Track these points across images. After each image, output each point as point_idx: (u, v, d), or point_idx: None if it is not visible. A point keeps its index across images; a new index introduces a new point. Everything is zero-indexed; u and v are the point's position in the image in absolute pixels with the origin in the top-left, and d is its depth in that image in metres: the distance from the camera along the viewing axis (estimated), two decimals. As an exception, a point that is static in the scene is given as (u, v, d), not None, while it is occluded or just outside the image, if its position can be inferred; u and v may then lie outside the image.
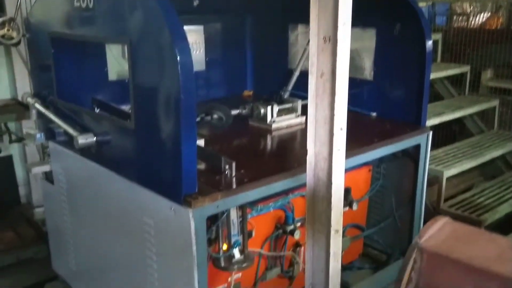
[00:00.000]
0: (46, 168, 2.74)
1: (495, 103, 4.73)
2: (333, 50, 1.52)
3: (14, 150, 4.01)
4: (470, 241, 1.45)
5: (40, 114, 2.63)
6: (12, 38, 3.40)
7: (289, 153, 2.56)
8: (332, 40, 1.52)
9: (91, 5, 2.06)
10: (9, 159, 3.98)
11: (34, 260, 3.42)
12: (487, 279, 1.25)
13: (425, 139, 2.79)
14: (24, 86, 3.68)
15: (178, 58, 1.69)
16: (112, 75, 3.01)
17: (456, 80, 5.04)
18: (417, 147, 2.80)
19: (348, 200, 2.67)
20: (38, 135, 2.59)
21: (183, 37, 1.72)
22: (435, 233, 1.50)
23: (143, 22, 1.86)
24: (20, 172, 4.07)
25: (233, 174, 2.04)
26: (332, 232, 1.70)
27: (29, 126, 2.79)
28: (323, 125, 1.63)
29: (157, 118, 1.87)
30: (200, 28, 3.42)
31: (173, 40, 1.70)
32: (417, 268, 1.41)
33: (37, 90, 2.79)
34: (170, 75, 1.75)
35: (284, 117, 2.87)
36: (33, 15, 2.71)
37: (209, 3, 2.97)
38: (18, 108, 3.50)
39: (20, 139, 3.64)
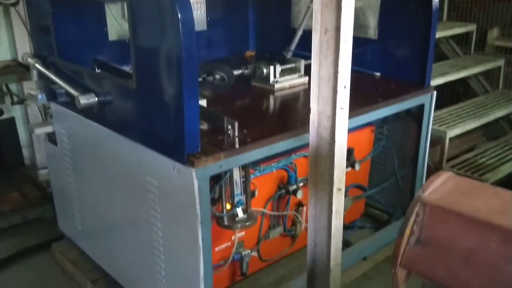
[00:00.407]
0: (48, 129, 2.73)
1: (500, 62, 4.66)
2: (338, 6, 1.49)
3: (16, 112, 4.00)
4: (474, 195, 1.45)
5: (41, 75, 2.61)
6: (10, -3, 3.34)
7: (292, 113, 2.55)
8: (336, -5, 1.48)
9: (89, -39, 2.01)
10: (12, 121, 3.98)
11: (40, 220, 3.47)
12: (490, 231, 1.26)
13: (429, 99, 2.77)
14: (24, 47, 3.64)
15: (179, 15, 1.65)
16: (112, 35, 2.97)
17: (462, 39, 4.95)
18: (420, 107, 2.78)
19: (350, 161, 2.68)
20: (39, 96, 2.58)
21: (184, -6, 1.68)
22: (438, 187, 1.50)
23: (142, -22, 1.82)
24: (23, 134, 4.08)
25: (236, 134, 2.04)
26: (335, 190, 1.72)
27: (30, 87, 2.76)
28: (326, 82, 1.62)
29: (159, 78, 1.85)
30: (201, -14, 3.35)
31: (173, -2, 1.66)
32: (420, 221, 1.42)
33: (37, 51, 2.75)
34: (171, 33, 1.72)
35: (287, 77, 2.84)
36: (30, -27, 2.65)
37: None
38: (19, 69, 3.47)
39: (22, 101, 3.63)
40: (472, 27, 4.81)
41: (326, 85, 1.61)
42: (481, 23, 4.86)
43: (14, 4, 3.41)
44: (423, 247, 1.40)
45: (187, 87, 1.72)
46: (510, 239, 1.22)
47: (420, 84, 2.77)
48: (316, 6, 1.55)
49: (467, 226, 1.29)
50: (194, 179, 1.81)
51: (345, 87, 1.59)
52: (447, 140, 3.70)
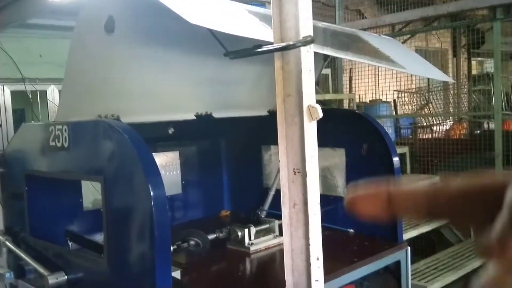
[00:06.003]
0: (13, 309, 2.59)
1: (469, 211, 4.80)
2: (303, 182, 1.56)
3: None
4: None
5: (11, 251, 2.55)
6: (-15, 172, 3.39)
7: (269, 279, 2.50)
8: (301, 172, 1.57)
9: (66, 145, 2.11)
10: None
11: None
12: None
13: (404, 255, 2.78)
14: (-4, 219, 3.60)
15: (152, 193, 1.70)
16: (88, 205, 2.99)
17: (429, 190, 5.12)
18: (397, 263, 2.77)
19: (333, 324, 2.57)
20: (7, 274, 2.50)
21: (156, 173, 1.75)
22: None
23: (117, 160, 1.90)
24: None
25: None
26: None
27: (-1, 264, 2.69)
28: (299, 254, 1.62)
29: (130, 255, 1.84)
30: (176, 152, 3.49)
31: (146, 176, 1.73)
32: None
33: (9, 225, 2.73)
34: (144, 210, 1.75)
35: (262, 238, 2.84)
36: (8, 152, 2.74)
37: (184, 130, 3.07)
38: (-12, 243, 3.39)
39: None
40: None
41: (299, 257, 1.62)
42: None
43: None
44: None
45: (160, 266, 1.70)
46: None
47: (393, 240, 2.79)
48: (283, 181, 1.62)
49: None
50: None
51: (318, 258, 1.60)
52: (429, 296, 3.64)
